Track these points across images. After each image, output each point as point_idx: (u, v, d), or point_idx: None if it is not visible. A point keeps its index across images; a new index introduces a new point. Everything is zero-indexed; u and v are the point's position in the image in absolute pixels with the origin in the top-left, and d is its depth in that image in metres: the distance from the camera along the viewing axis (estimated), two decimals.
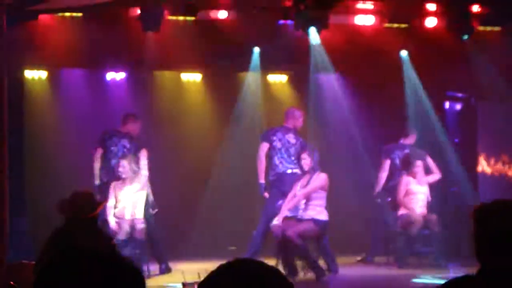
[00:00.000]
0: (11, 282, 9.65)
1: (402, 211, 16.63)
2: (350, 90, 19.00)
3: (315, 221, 14.96)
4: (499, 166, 19.46)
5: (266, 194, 15.91)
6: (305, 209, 15.13)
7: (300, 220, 15.09)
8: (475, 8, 17.66)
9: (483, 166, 19.43)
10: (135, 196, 15.30)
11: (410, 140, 17.30)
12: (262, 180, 15.95)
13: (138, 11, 16.12)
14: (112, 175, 15.57)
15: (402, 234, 16.46)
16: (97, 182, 15.21)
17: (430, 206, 16.62)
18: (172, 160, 17.47)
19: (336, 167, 17.13)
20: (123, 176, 15.25)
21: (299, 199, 15.16)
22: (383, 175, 17.12)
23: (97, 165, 15.71)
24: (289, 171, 15.76)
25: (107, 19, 16.57)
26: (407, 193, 16.62)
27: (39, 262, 9.03)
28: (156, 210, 15.76)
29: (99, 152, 15.80)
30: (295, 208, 15.22)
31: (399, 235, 16.47)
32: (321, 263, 15.16)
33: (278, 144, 15.92)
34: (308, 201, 15.18)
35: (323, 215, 15.12)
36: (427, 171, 16.84)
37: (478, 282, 5.49)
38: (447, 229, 16.62)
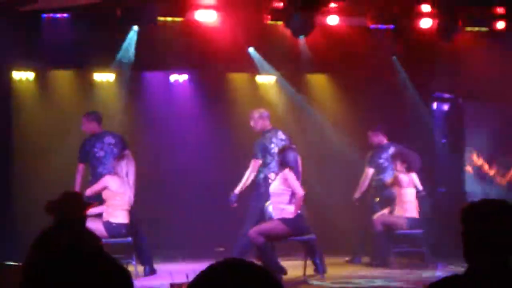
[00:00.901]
0: None
1: (385, 212, 16.74)
2: (340, 91, 19.09)
3: (283, 220, 14.83)
4: (486, 166, 19.52)
5: (235, 205, 15.90)
6: (273, 208, 15.11)
7: (270, 219, 15.16)
8: (462, 9, 17.71)
9: (471, 166, 19.48)
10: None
11: (384, 140, 17.38)
12: (237, 192, 15.93)
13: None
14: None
15: (385, 235, 16.50)
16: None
17: (419, 206, 16.68)
18: (159, 162, 17.47)
19: (326, 169, 17.18)
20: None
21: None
22: (365, 183, 17.14)
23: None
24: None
25: (94, 19, 16.55)
26: (397, 195, 16.70)
27: (27, 263, 9.02)
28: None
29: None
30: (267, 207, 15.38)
31: (383, 235, 16.50)
32: (308, 263, 15.20)
33: (275, 149, 15.92)
34: (274, 199, 15.17)
35: (288, 213, 14.88)
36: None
37: (466, 281, 5.49)
38: (435, 229, 16.66)
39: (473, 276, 5.52)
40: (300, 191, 14.98)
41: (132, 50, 17.32)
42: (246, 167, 16.24)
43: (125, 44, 17.26)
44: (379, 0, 17.71)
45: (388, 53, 18.61)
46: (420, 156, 17.15)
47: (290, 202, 14.96)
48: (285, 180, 14.95)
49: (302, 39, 17.37)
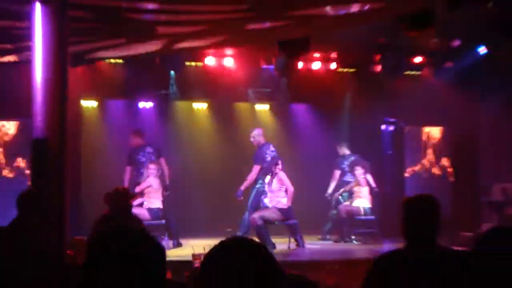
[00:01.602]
0: (70, 252, 9.59)
1: (347, 204, 16.81)
2: (315, 116, 19.18)
3: (278, 209, 15.09)
4: (421, 171, 19.56)
5: (241, 198, 15.96)
6: (270, 200, 15.30)
7: (266, 208, 15.27)
8: (402, 60, 17.75)
9: (411, 169, 19.54)
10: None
11: (347, 151, 17.42)
12: (243, 188, 15.97)
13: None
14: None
15: (347, 220, 16.54)
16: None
17: (372, 199, 16.74)
18: (186, 166, 17.51)
19: (305, 172, 17.21)
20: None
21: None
22: (333, 182, 17.24)
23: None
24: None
25: (141, 63, 16.62)
26: (355, 192, 16.79)
27: (90, 239, 8.98)
28: (169, 192, 16.00)
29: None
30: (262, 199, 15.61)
31: (345, 220, 16.54)
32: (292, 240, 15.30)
33: (268, 158, 16.02)
34: (272, 194, 15.34)
35: (283, 204, 15.19)
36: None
37: (404, 254, 5.49)
38: (383, 216, 16.66)
39: (409, 249, 5.52)
40: (291, 188, 15.29)
41: (173, 86, 17.53)
42: (248, 171, 16.29)
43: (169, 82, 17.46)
44: (343, 51, 17.73)
45: (348, 89, 18.66)
46: (371, 163, 17.26)
47: (283, 196, 15.20)
48: (280, 180, 15.18)
49: (285, 79, 17.47)
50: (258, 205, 15.57)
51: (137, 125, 17.24)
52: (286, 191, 15.26)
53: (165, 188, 15.83)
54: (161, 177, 15.80)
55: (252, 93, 18.38)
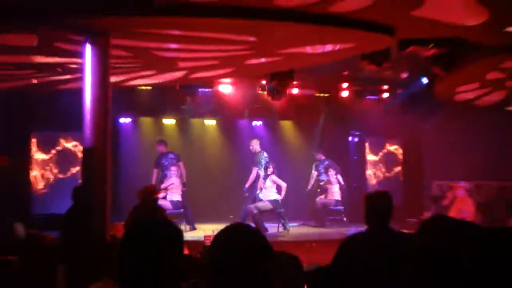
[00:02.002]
0: (111, 233, 9.59)
1: (322, 197, 16.81)
2: (299, 130, 19.20)
3: (269, 201, 15.15)
4: (379, 173, 19.56)
5: (246, 194, 15.93)
6: (263, 195, 15.36)
7: (260, 200, 15.25)
8: (365, 86, 17.77)
9: (370, 171, 19.52)
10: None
11: (323, 157, 17.34)
12: (246, 186, 15.93)
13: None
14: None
15: (322, 210, 16.53)
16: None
17: (342, 194, 16.75)
18: (199, 168, 17.48)
19: (291, 173, 17.21)
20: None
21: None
22: (312, 181, 17.25)
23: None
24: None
25: (163, 88, 16.67)
26: (328, 187, 16.79)
27: (126, 223, 8.99)
28: (186, 188, 15.99)
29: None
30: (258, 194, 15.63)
31: (321, 209, 16.54)
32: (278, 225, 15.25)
33: (262, 162, 16.06)
34: (265, 190, 15.42)
35: (274, 197, 15.27)
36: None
37: (366, 236, 5.49)
38: (350, 206, 16.66)
39: (370, 232, 5.53)
40: (284, 184, 15.49)
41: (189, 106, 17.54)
42: (245, 173, 16.35)
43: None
44: (319, 80, 17.73)
45: (323, 110, 18.69)
46: (340, 166, 17.29)
47: (274, 192, 15.39)
48: (273, 180, 15.34)
49: (276, 102, 17.45)
50: (254, 199, 15.59)
51: (161, 136, 17.25)
52: (277, 188, 15.36)
53: (183, 185, 15.88)
54: (180, 176, 15.87)
55: (247, 112, 18.40)
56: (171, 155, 16.27)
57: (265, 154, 16.41)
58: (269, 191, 15.36)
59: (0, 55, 11.96)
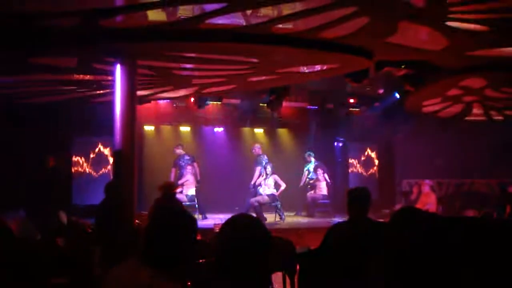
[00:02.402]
0: (136, 221, 9.59)
1: (312, 192, 16.74)
2: (293, 137, 19.16)
3: (268, 195, 15.11)
4: (358, 172, 19.52)
5: (252, 189, 15.92)
6: (263, 190, 15.32)
7: (260, 195, 15.22)
8: (350, 99, 17.75)
9: (352, 170, 19.49)
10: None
11: (313, 159, 17.30)
12: (252, 183, 15.98)
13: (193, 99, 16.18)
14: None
15: (312, 202, 16.49)
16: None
17: (328, 189, 16.67)
18: (211, 167, 17.32)
19: (287, 172, 17.17)
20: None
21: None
22: (303, 177, 17.14)
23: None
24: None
25: (179, 102, 16.69)
26: (317, 184, 16.72)
27: (150, 213, 8.98)
28: (199, 184, 15.94)
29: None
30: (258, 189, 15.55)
31: (310, 202, 16.50)
32: (273, 215, 15.27)
33: (263, 163, 16.06)
34: (265, 186, 15.38)
35: (271, 192, 15.22)
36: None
37: (348, 224, 5.49)
38: (335, 200, 16.61)
39: (351, 221, 5.53)
40: (283, 184, 15.49)
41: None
42: (248, 172, 16.40)
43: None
44: (310, 95, 17.72)
45: (313, 119, 18.65)
46: (327, 167, 17.22)
47: (273, 188, 15.35)
48: (274, 179, 15.44)
49: (276, 112, 17.41)
50: (255, 193, 15.56)
51: (178, 141, 17.20)
52: (275, 185, 15.35)
53: (197, 181, 15.85)
54: (194, 174, 15.84)
55: (250, 121, 18.34)
56: (186, 157, 16.21)
57: (266, 157, 16.43)
58: (268, 187, 15.34)
59: (47, 74, 12.00)
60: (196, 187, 15.66)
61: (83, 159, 16.37)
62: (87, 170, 16.40)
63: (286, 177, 16.07)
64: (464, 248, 1.69)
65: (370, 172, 19.54)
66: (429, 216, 1.89)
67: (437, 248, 1.62)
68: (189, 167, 15.76)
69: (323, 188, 16.62)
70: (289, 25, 9.22)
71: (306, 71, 12.51)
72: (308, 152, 17.49)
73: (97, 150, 16.38)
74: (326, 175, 16.83)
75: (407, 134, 17.60)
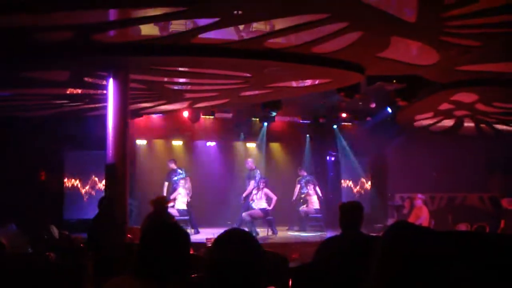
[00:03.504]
0: (129, 235, 9.55)
1: (304, 207, 16.73)
2: (285, 151, 19.15)
3: (260, 209, 15.07)
4: (351, 186, 19.55)
5: (243, 202, 15.92)
6: (256, 205, 15.24)
7: (253, 209, 15.18)
8: (342, 114, 17.81)
9: (345, 185, 19.50)
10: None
11: (305, 173, 17.29)
12: (244, 195, 15.98)
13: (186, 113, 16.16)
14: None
15: (304, 217, 16.47)
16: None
17: (319, 203, 16.65)
18: (203, 182, 17.25)
19: (279, 187, 17.15)
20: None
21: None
22: (296, 191, 17.10)
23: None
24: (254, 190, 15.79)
25: (171, 116, 16.64)
26: (308, 198, 16.70)
27: (142, 227, 8.95)
28: (191, 199, 15.84)
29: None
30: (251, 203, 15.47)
31: (303, 216, 16.48)
32: (266, 229, 15.24)
33: (257, 178, 16.09)
34: (257, 201, 15.32)
35: (263, 206, 15.17)
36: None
37: (340, 239, 5.48)
38: (327, 214, 16.59)
39: (344, 235, 5.53)
40: (274, 197, 15.45)
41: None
42: (241, 186, 16.40)
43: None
44: (302, 109, 17.77)
45: (306, 133, 18.68)
46: (319, 181, 17.24)
47: (265, 202, 15.29)
48: (265, 193, 15.35)
49: (267, 126, 17.46)
50: (248, 208, 15.52)
51: (171, 156, 17.18)
52: (267, 199, 15.34)
53: (189, 196, 15.81)
54: (186, 189, 15.79)
55: (243, 135, 18.33)
56: (179, 171, 16.21)
57: (258, 172, 16.45)
58: (260, 201, 15.32)
59: (39, 88, 11.99)
60: (188, 201, 15.62)
61: (74, 173, 16.30)
62: (78, 184, 16.34)
63: (279, 191, 16.06)
64: (460, 262, 1.70)
65: (362, 186, 19.56)
66: (423, 231, 1.90)
67: (432, 263, 1.63)
68: (182, 182, 15.74)
69: (314, 202, 16.61)
70: (281, 40, 9.26)
71: (297, 85, 12.55)
72: (301, 167, 17.53)
73: (88, 164, 16.31)
74: (317, 189, 16.83)
75: (399, 148, 17.66)
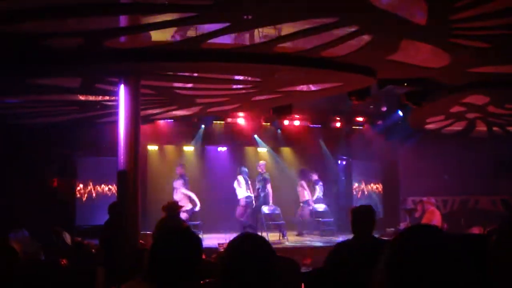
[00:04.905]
0: (141, 241, 9.56)
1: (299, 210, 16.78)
2: (296, 155, 19.10)
3: (271, 213, 15.22)
4: (363, 189, 19.50)
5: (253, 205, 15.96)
6: (266, 208, 15.33)
7: (264, 213, 15.34)
8: (350, 118, 17.78)
9: (356, 188, 19.45)
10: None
11: (316, 177, 17.24)
12: (255, 194, 16.02)
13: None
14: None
15: (313, 221, 16.47)
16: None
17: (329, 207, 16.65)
18: (205, 189, 17.16)
19: (291, 191, 17.10)
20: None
21: None
22: (304, 193, 17.05)
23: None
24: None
25: (181, 121, 16.65)
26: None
27: (154, 233, 8.96)
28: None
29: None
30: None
31: (313, 221, 16.49)
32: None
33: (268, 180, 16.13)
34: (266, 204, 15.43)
35: (273, 209, 15.27)
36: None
37: (352, 243, 5.45)
38: (339, 218, 16.56)
39: (356, 240, 5.50)
40: (270, 201, 15.73)
41: (201, 136, 17.52)
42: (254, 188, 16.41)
43: (199, 133, 17.41)
44: (314, 114, 17.75)
45: (318, 138, 18.65)
46: (331, 184, 17.21)
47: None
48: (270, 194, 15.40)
49: (279, 131, 17.44)
50: (256, 210, 15.53)
51: (181, 161, 17.19)
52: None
53: (190, 202, 15.74)
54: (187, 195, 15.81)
55: (256, 138, 18.29)
56: (186, 176, 16.19)
57: (268, 175, 16.44)
58: (270, 205, 15.38)
59: (52, 95, 12.04)
60: (189, 209, 15.55)
61: (87, 180, 16.36)
62: (91, 191, 16.39)
63: (290, 195, 16.02)
64: (476, 266, 1.68)
65: (374, 190, 19.50)
66: (441, 233, 1.87)
67: (442, 264, 1.62)
68: (189, 187, 15.84)
69: (323, 205, 16.69)
70: (290, 44, 9.24)
71: (308, 89, 12.53)
72: (313, 170, 17.52)
73: (101, 170, 16.36)
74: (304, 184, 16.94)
75: (411, 151, 17.60)
